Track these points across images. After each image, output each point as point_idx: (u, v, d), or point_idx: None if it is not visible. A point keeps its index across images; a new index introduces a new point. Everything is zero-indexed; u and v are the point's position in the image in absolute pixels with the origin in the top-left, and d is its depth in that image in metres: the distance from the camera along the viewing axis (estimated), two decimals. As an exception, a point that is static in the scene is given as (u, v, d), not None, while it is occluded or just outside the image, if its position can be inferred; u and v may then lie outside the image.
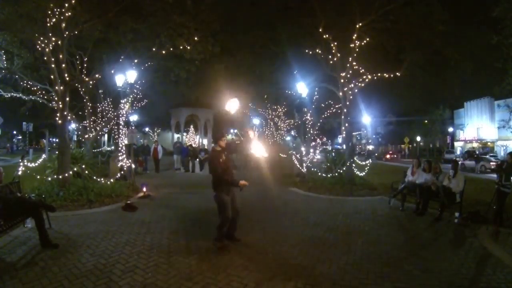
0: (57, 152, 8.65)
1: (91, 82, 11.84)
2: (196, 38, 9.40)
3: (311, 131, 14.94)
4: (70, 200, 7.08)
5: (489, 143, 38.07)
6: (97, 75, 9.92)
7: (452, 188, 6.25)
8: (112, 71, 9.96)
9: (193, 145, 20.36)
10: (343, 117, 10.88)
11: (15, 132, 53.39)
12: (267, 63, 14.85)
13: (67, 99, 8.28)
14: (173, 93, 19.66)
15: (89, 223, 5.64)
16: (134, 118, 19.44)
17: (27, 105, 14.24)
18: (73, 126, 18.42)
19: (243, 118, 23.31)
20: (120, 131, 10.80)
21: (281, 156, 18.01)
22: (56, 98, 8.21)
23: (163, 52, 9.54)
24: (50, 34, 7.89)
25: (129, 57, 10.77)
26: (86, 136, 14.08)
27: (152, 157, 15.09)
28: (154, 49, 9.63)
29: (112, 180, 9.01)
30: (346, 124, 10.78)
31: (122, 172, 9.97)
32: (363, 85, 10.86)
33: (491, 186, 7.16)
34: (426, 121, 40.93)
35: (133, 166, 9.90)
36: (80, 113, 16.38)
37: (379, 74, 10.66)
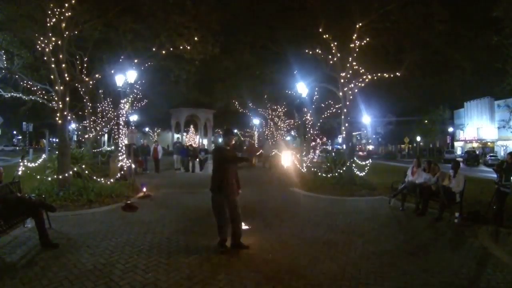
0: (57, 152, 8.64)
1: (91, 82, 11.84)
2: (196, 38, 9.38)
3: (311, 131, 14.95)
4: (70, 200, 7.07)
5: (489, 143, 38.13)
6: (97, 75, 9.91)
7: (452, 188, 6.24)
8: (112, 71, 9.96)
9: (193, 145, 20.36)
10: (343, 117, 10.87)
11: (15, 132, 53.51)
12: (267, 63, 14.85)
13: (67, 99, 8.27)
14: (173, 93, 19.68)
15: (89, 223, 5.64)
16: (134, 118, 19.44)
17: (27, 105, 14.27)
18: (73, 126, 18.46)
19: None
20: (120, 131, 10.80)
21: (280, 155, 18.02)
22: (56, 98, 8.20)
23: (163, 52, 9.52)
24: (50, 34, 7.89)
25: (129, 57, 10.75)
26: (86, 136, 14.10)
27: (152, 157, 15.09)
28: (154, 49, 9.62)
29: (112, 180, 9.00)
30: (346, 124, 10.78)
31: (122, 172, 9.97)
32: (363, 85, 10.85)
33: (491, 186, 7.15)
34: (426, 121, 40.94)
35: (133, 166, 9.89)
36: (80, 113, 16.39)
37: (379, 74, 10.65)
